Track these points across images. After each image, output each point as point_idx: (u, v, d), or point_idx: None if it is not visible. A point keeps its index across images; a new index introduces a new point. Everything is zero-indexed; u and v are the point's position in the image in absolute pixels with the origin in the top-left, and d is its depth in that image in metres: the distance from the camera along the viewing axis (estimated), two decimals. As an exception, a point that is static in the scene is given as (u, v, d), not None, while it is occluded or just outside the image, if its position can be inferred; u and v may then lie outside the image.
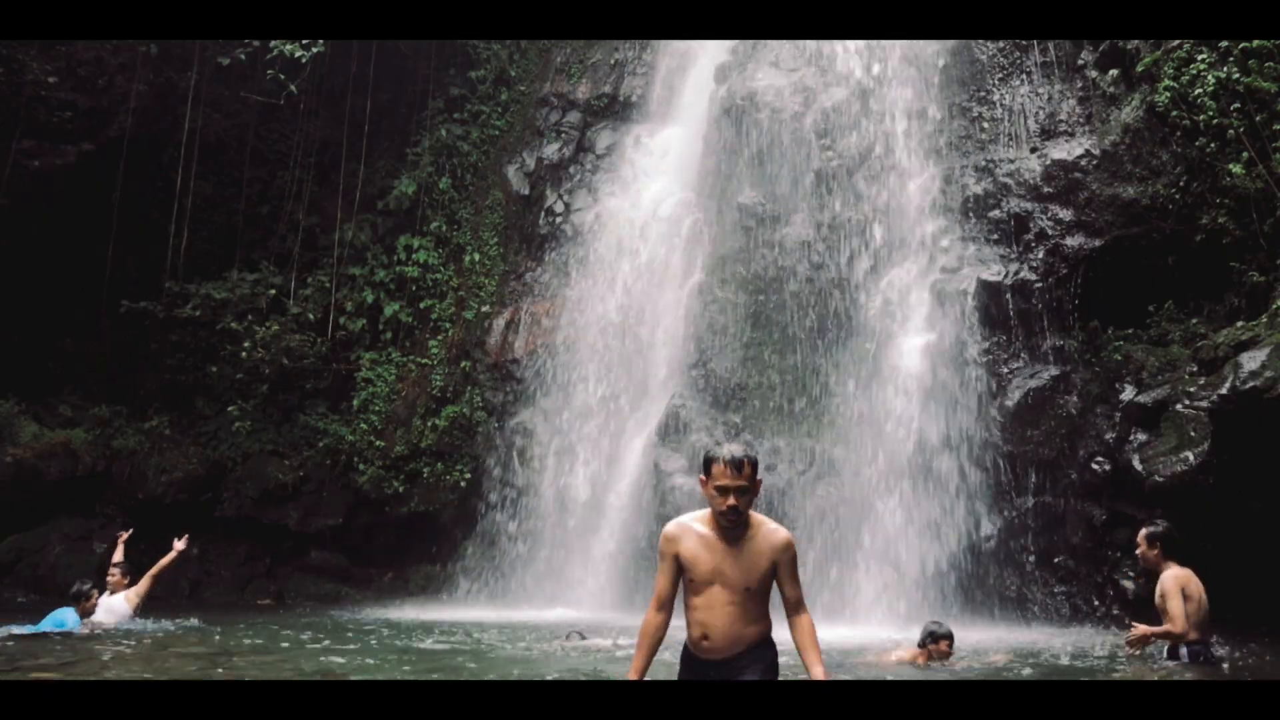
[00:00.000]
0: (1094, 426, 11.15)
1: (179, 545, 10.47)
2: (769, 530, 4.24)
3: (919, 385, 11.87)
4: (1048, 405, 11.48)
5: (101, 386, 16.46)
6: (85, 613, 9.92)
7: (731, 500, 4.09)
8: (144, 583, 10.29)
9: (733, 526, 4.15)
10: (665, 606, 4.27)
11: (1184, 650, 6.90)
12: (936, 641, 7.83)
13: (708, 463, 4.20)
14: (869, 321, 12.69)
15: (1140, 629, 7.07)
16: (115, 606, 10.13)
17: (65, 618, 9.77)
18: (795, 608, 4.25)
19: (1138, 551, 7.34)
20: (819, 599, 10.98)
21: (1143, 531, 7.28)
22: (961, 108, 13.32)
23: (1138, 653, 7.24)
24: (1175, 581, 6.93)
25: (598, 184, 16.61)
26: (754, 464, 4.16)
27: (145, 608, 10.42)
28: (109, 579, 10.36)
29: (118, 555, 10.91)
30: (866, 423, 12.14)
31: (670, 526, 4.33)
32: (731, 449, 4.14)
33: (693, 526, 4.27)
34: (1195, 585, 6.97)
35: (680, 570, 4.25)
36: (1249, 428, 9.20)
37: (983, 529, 11.31)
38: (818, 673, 4.02)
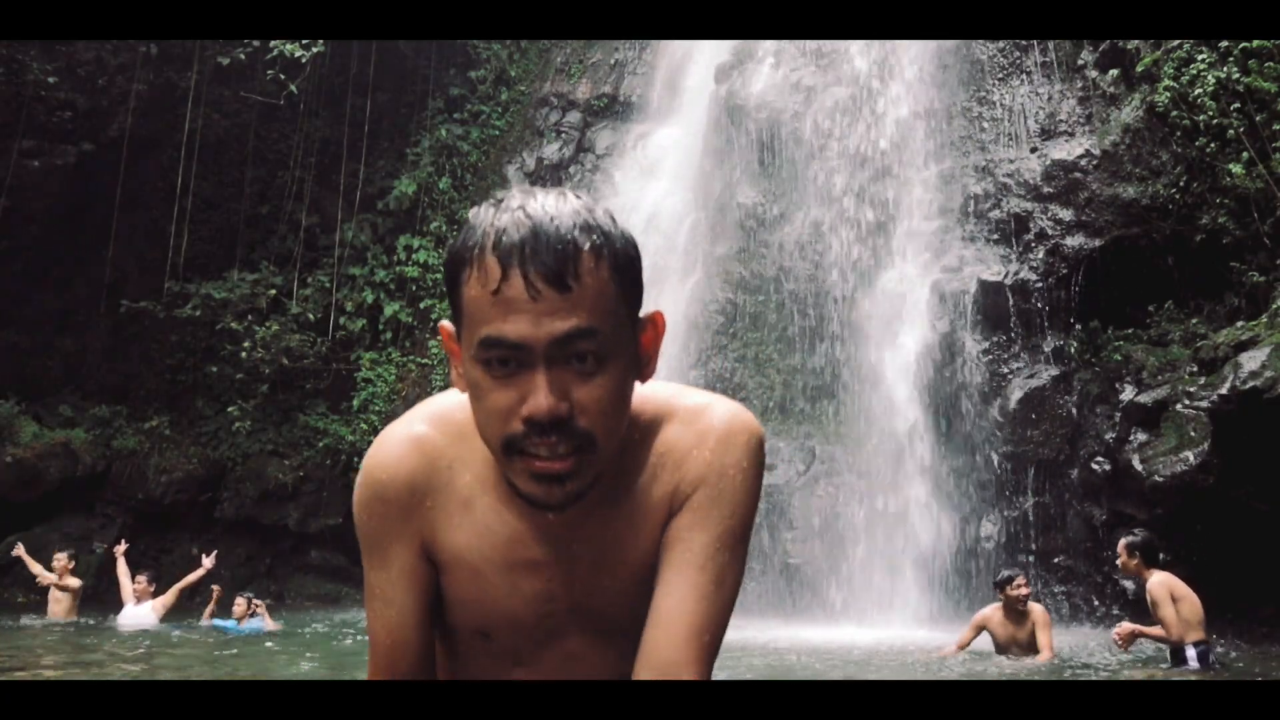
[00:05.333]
0: (1094, 426, 11.15)
1: (207, 563, 10.55)
2: (684, 434, 1.46)
3: (918, 385, 11.88)
4: (1048, 405, 11.48)
5: (101, 386, 16.46)
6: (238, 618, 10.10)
7: (542, 399, 1.25)
8: (170, 595, 10.35)
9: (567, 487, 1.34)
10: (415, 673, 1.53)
11: (1190, 651, 6.91)
12: (1011, 584, 7.97)
13: (456, 263, 1.29)
14: (868, 321, 12.68)
15: (1130, 626, 7.11)
16: (142, 615, 10.18)
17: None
18: None
19: (1118, 562, 7.36)
20: (821, 597, 10.98)
21: (1122, 542, 7.31)
22: (961, 108, 13.31)
23: (1125, 649, 7.26)
24: (1163, 588, 6.96)
25: (598, 184, 16.59)
26: (625, 254, 1.28)
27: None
28: (135, 587, 10.36)
29: (123, 568, 10.85)
30: (866, 423, 12.14)
31: (388, 460, 1.54)
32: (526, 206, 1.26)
33: (461, 477, 1.51)
34: (1182, 587, 6.99)
35: (431, 590, 1.53)
36: (1249, 428, 9.21)
37: (983, 529, 11.31)
38: None
